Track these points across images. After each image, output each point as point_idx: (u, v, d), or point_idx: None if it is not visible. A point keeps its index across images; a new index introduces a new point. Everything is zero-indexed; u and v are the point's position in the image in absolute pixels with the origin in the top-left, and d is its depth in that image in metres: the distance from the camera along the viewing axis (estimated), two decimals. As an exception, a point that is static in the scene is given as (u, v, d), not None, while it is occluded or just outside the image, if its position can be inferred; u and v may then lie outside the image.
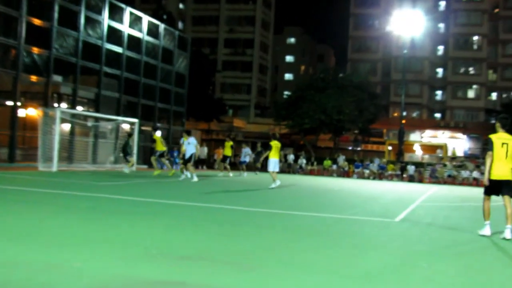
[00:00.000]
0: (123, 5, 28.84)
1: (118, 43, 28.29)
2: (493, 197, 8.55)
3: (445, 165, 38.61)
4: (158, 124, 30.42)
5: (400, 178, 36.52)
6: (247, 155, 28.53)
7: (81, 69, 25.70)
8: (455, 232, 9.06)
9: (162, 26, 32.58)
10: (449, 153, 52.85)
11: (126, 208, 9.66)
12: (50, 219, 7.69)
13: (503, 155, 8.43)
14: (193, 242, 6.50)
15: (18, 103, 22.72)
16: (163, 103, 32.66)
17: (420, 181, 35.85)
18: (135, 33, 29.67)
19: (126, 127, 27.36)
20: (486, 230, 8.48)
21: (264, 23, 77.07)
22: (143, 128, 29.48)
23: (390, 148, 56.82)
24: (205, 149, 36.63)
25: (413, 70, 61.40)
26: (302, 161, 38.80)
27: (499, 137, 8.56)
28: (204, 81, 56.03)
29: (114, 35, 28.06)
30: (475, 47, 64.01)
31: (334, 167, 38.92)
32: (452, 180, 35.00)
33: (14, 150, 22.58)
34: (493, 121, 56.59)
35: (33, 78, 23.47)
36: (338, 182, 27.73)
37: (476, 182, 33.08)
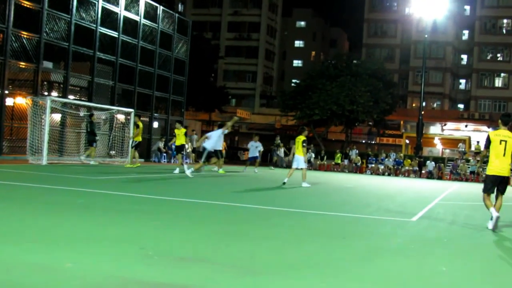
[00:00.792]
0: (118, -14, 28.87)
1: (113, 27, 28.30)
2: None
3: (468, 161, 38.55)
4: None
5: (418, 174, 36.50)
6: (257, 148, 27.12)
7: (73, 55, 25.73)
8: (477, 233, 9.05)
9: (160, 9, 32.57)
10: (473, 148, 52.59)
11: (121, 205, 9.69)
12: (39, 217, 7.72)
13: (501, 152, 9.25)
14: (192, 242, 6.52)
15: (6, 91, 22.78)
16: (161, 92, 32.70)
17: (440, 177, 35.83)
18: (131, 16, 29.68)
19: (121, 117, 27.42)
20: (490, 224, 9.18)
21: (272, 4, 76.87)
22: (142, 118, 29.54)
23: (407, 141, 56.78)
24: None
25: (434, 57, 61.29)
26: (311, 155, 38.77)
27: (498, 134, 9.39)
28: (205, 68, 56.02)
29: (109, 18, 28.09)
30: (504, 31, 63.59)
31: (346, 162, 38.92)
32: (475, 177, 34.91)
33: (1, 141, 22.66)
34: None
35: (22, 64, 23.51)
36: (351, 179, 27.73)
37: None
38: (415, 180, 31.53)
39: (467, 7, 65.24)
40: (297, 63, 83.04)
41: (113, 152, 26.86)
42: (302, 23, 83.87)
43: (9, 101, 23.82)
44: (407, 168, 37.10)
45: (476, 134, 57.82)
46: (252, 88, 75.68)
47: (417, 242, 7.73)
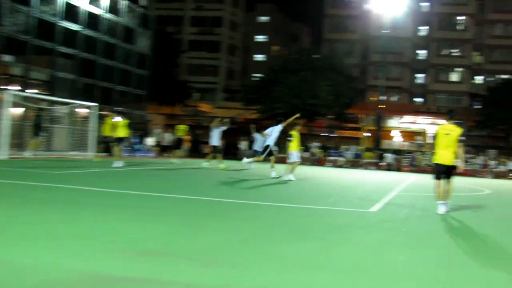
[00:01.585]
0: (81, -21, 28.45)
1: (75, 20, 27.90)
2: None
3: (424, 153, 39.18)
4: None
5: (377, 166, 36.94)
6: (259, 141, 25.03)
7: (34, 48, 25.29)
8: (433, 223, 9.21)
9: (123, 3, 32.21)
10: (429, 140, 53.41)
11: (83, 199, 9.55)
12: (-1, 212, 7.59)
13: (445, 144, 10.43)
14: (156, 236, 6.47)
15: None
16: (123, 86, 32.38)
17: (399, 169, 36.33)
18: (94, 9, 29.28)
19: (82, 111, 27.05)
20: (441, 209, 10.29)
21: (235, 0, 76.70)
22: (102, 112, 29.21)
23: (367, 134, 57.38)
24: (169, 135, 36.25)
25: (393, 52, 61.84)
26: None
27: (443, 128, 10.66)
28: (168, 62, 55.67)
29: (71, 12, 27.67)
30: (460, 27, 64.64)
31: (307, 154, 39.16)
32: (431, 169, 35.42)
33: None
34: (478, 106, 57.53)
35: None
36: (311, 171, 27.90)
37: (456, 170, 33.56)
38: (375, 172, 31.89)
39: (425, 4, 66.08)
40: (260, 57, 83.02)
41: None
42: (265, 18, 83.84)
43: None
44: (366, 160, 37.52)
45: (433, 127, 58.57)
46: (215, 82, 75.37)
47: (375, 233, 7.82)
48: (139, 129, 28.17)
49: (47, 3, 26.12)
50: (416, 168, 36.19)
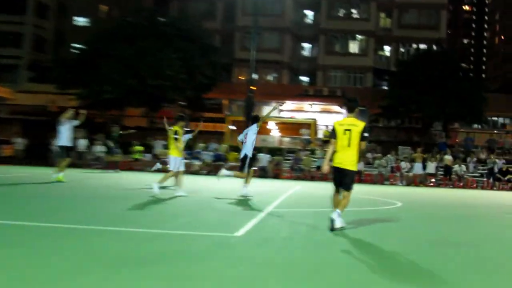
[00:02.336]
0: None
1: None
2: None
3: (313, 152, 40.16)
4: None
5: (248, 172, 37.43)
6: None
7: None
8: (323, 250, 9.43)
9: None
10: (320, 135, 54.26)
11: None
12: None
13: (345, 143, 10.83)
14: None
15: None
16: None
17: (277, 176, 37.02)
18: None
19: None
20: (335, 215, 10.88)
21: None
22: None
23: (233, 128, 57.95)
24: None
25: (269, 13, 62.53)
26: (100, 148, 38.29)
27: (342, 124, 11.03)
28: None
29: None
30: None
31: (148, 156, 38.95)
32: (323, 175, 36.32)
33: None
34: (385, 87, 59.32)
35: None
36: (153, 179, 27.77)
37: (359, 177, 34.66)
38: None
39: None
40: (82, 21, 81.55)
41: None
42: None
43: None
44: (231, 163, 37.91)
45: (325, 116, 59.72)
46: (17, 56, 73.57)
47: (242, 265, 7.86)
48: None
49: None
50: (301, 174, 37.03)
